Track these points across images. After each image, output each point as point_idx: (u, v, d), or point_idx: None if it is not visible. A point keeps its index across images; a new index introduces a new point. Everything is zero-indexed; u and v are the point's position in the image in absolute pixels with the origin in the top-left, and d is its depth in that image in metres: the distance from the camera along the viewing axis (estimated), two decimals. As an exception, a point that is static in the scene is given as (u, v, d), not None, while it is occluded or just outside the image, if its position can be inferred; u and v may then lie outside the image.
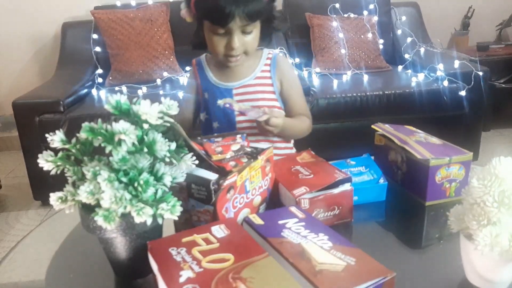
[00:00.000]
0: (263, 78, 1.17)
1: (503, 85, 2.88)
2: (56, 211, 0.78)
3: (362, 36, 2.70)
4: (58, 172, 0.65)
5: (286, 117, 1.15)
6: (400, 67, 2.71)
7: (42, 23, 2.96)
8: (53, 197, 0.63)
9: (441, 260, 0.71)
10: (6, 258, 0.80)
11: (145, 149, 0.63)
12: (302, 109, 1.21)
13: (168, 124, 0.66)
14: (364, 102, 2.31)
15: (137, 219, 0.59)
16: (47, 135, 0.64)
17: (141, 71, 2.57)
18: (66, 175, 0.65)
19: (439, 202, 0.87)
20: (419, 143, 0.90)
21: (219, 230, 0.64)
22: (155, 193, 0.62)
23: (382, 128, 0.99)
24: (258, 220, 0.69)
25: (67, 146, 0.65)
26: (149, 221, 0.60)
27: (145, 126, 0.63)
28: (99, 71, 2.66)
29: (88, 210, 0.62)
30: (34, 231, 0.90)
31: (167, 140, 0.65)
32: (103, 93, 2.49)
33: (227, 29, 1.01)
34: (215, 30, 1.03)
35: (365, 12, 2.79)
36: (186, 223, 0.76)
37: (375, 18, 2.78)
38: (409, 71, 2.62)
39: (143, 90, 2.47)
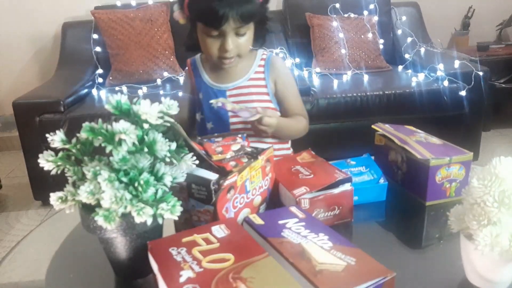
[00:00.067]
0: (257, 80, 1.17)
1: (503, 85, 2.88)
2: (56, 211, 0.78)
3: (362, 36, 2.70)
4: (59, 172, 0.65)
5: (282, 117, 1.15)
6: (400, 67, 2.71)
7: (42, 23, 2.96)
8: (53, 197, 0.63)
9: (441, 260, 0.71)
10: (6, 258, 0.80)
11: (146, 149, 0.63)
12: (298, 109, 1.21)
13: (168, 124, 0.66)
14: (364, 102, 2.31)
15: (137, 219, 0.59)
16: (47, 135, 0.64)
17: (141, 71, 2.57)
18: (66, 175, 0.66)
19: (439, 202, 0.87)
20: (419, 143, 0.90)
21: (219, 230, 0.64)
22: (155, 193, 0.62)
23: (382, 128, 0.99)
24: (258, 220, 0.69)
25: (67, 146, 0.65)
26: (149, 221, 0.60)
27: (146, 126, 0.63)
28: (99, 71, 2.66)
29: (88, 210, 0.62)
30: (34, 231, 0.90)
31: (167, 140, 0.65)
32: (103, 93, 2.49)
33: (220, 31, 1.01)
34: (209, 32, 1.03)
35: (365, 12, 2.79)
36: (186, 223, 0.76)
37: (375, 18, 2.78)
38: (409, 71, 2.62)
39: (143, 90, 2.47)
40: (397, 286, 0.56)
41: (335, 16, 2.73)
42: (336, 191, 0.81)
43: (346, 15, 2.76)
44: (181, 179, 0.68)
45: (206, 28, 1.02)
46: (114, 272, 0.71)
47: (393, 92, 2.31)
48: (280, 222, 0.68)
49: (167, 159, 0.66)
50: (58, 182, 0.72)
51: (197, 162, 0.71)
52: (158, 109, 0.63)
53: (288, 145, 1.25)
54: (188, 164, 0.69)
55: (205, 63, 1.20)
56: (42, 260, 0.79)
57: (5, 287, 0.73)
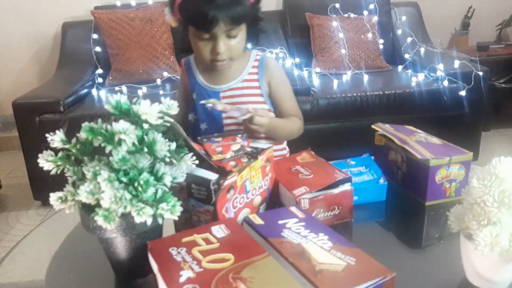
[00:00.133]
0: (251, 81, 1.16)
1: (503, 85, 2.88)
2: (56, 211, 0.78)
3: (362, 36, 2.70)
4: (58, 172, 0.65)
5: (275, 118, 1.15)
6: (400, 67, 2.71)
7: (42, 23, 2.96)
8: (53, 197, 0.63)
9: (441, 260, 0.71)
10: (6, 258, 0.80)
11: (145, 149, 0.63)
12: (293, 110, 1.20)
13: (168, 124, 0.66)
14: (364, 102, 2.31)
15: (137, 219, 0.59)
16: (47, 135, 0.64)
17: (141, 71, 2.57)
18: (66, 175, 0.66)
19: (439, 202, 0.87)
20: (419, 143, 0.90)
21: (219, 230, 0.64)
22: (155, 193, 0.62)
23: (382, 128, 0.99)
24: (258, 220, 0.69)
25: (67, 146, 0.65)
26: (149, 221, 0.60)
27: (145, 126, 0.63)
28: (99, 71, 2.66)
29: (88, 210, 0.62)
30: (34, 231, 0.90)
31: (167, 140, 0.65)
32: (103, 93, 2.49)
33: (211, 34, 1.00)
34: (200, 35, 1.02)
35: (365, 12, 2.79)
36: (186, 223, 0.76)
37: (375, 18, 2.78)
38: (409, 71, 2.62)
39: (143, 90, 2.47)
40: (397, 286, 0.56)
41: (335, 16, 2.73)
42: (336, 191, 0.81)
43: (346, 15, 2.76)
44: (181, 179, 0.68)
45: (197, 31, 1.02)
46: (114, 272, 0.71)
47: (393, 92, 2.31)
48: (280, 222, 0.68)
49: (167, 159, 0.66)
50: (58, 182, 0.72)
51: (197, 162, 0.71)
52: (158, 109, 0.63)
53: (283, 145, 1.24)
54: (188, 164, 0.69)
55: (198, 64, 1.19)
56: (42, 260, 0.79)
57: (5, 287, 0.73)
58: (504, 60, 2.85)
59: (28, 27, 2.97)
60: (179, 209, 0.62)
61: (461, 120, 2.38)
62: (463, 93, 2.32)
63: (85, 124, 0.61)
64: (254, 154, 0.81)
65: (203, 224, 0.70)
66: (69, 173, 0.65)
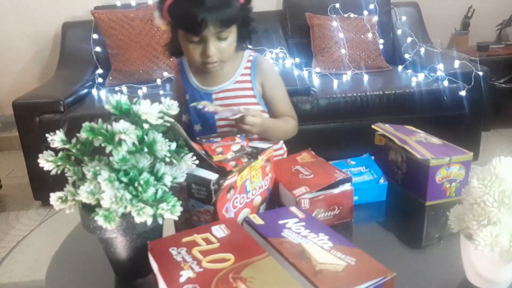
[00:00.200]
0: (243, 82, 1.15)
1: (503, 85, 2.88)
2: (56, 211, 0.78)
3: (362, 36, 2.70)
4: (59, 172, 0.66)
5: (268, 118, 1.14)
6: (400, 67, 2.71)
7: (42, 23, 2.96)
8: (53, 197, 0.63)
9: (441, 260, 0.71)
10: (7, 258, 0.80)
11: (146, 149, 0.63)
12: (287, 110, 1.19)
13: (168, 124, 0.66)
14: (364, 102, 2.31)
15: (137, 219, 0.59)
16: (47, 135, 0.64)
17: (141, 71, 2.57)
18: (66, 175, 0.66)
19: (439, 202, 0.87)
20: (419, 143, 0.90)
21: (219, 230, 0.64)
22: (155, 193, 0.62)
23: (382, 128, 0.99)
24: (258, 220, 0.69)
25: (67, 146, 0.65)
26: (149, 221, 0.60)
27: (145, 126, 0.63)
28: (99, 71, 2.66)
29: (88, 210, 0.62)
30: (35, 231, 0.90)
31: (167, 140, 0.65)
32: (103, 93, 2.49)
33: (201, 36, 0.99)
34: (189, 38, 1.01)
35: (365, 12, 2.79)
36: (186, 223, 0.76)
37: (375, 18, 2.78)
38: (409, 71, 2.62)
39: (143, 90, 2.47)
40: (397, 286, 0.56)
41: (335, 16, 2.73)
42: (336, 191, 0.81)
43: (346, 15, 2.76)
44: (181, 179, 0.68)
45: (186, 34, 1.01)
46: (114, 272, 0.71)
47: (393, 92, 2.31)
48: (280, 222, 0.68)
49: (167, 159, 0.66)
50: (58, 182, 0.72)
51: (197, 162, 0.71)
52: (158, 109, 0.64)
53: (280, 145, 1.24)
54: (188, 164, 0.69)
55: (191, 65, 1.18)
56: (42, 260, 0.79)
57: (5, 287, 0.73)
58: (504, 60, 2.85)
59: (28, 27, 2.97)
60: (179, 209, 0.62)
61: (461, 120, 2.38)
62: (463, 93, 2.32)
63: (85, 124, 0.61)
64: (254, 154, 0.81)
65: (203, 224, 0.70)
66: (69, 173, 0.65)
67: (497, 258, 0.58)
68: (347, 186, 0.82)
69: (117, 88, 2.52)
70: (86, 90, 2.51)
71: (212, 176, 0.71)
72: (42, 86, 2.49)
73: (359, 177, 0.90)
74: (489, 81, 2.45)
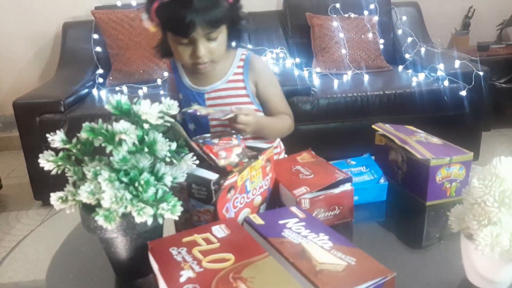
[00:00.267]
0: (236, 82, 1.13)
1: (504, 85, 2.88)
2: (56, 211, 0.78)
3: (362, 36, 2.70)
4: (59, 172, 0.66)
5: (263, 116, 1.13)
6: (400, 67, 2.70)
7: (42, 23, 2.96)
8: (54, 197, 0.63)
9: (441, 260, 0.71)
10: (7, 258, 0.80)
11: (146, 149, 0.63)
12: (282, 108, 1.17)
13: (169, 124, 0.66)
14: (365, 102, 2.31)
15: (138, 219, 0.59)
16: (47, 135, 0.64)
17: (141, 71, 2.57)
18: (66, 175, 0.66)
19: (440, 202, 0.87)
20: (419, 143, 0.90)
21: (219, 230, 0.64)
22: (156, 193, 0.62)
23: (383, 128, 0.99)
24: (258, 220, 0.69)
25: (67, 146, 0.65)
26: (150, 221, 0.60)
27: (146, 126, 0.63)
28: (100, 71, 2.66)
29: (88, 210, 0.62)
30: (35, 231, 0.90)
31: (167, 140, 0.65)
32: (103, 93, 2.49)
33: (190, 38, 0.98)
34: (178, 40, 1.00)
35: (366, 12, 2.79)
36: (186, 223, 0.76)
37: (376, 18, 2.78)
38: (410, 71, 2.62)
39: (143, 90, 2.47)
40: (397, 286, 0.56)
41: (335, 16, 2.73)
42: (336, 191, 0.81)
43: (346, 15, 2.76)
44: (181, 179, 0.68)
45: (175, 36, 1.00)
46: (114, 272, 0.71)
47: (393, 92, 2.31)
48: (281, 222, 0.68)
49: (168, 159, 0.66)
50: (58, 182, 0.72)
51: (197, 162, 0.71)
52: (158, 109, 0.64)
53: (276, 143, 1.22)
54: (188, 164, 0.69)
55: (183, 65, 1.17)
56: (42, 260, 0.79)
57: (6, 287, 0.73)
58: (505, 60, 2.85)
59: (28, 27, 2.97)
60: (179, 209, 0.62)
61: (462, 120, 2.38)
62: (463, 93, 2.32)
63: (86, 124, 0.61)
64: (254, 155, 0.81)
65: (204, 224, 0.70)
66: (69, 173, 0.65)
67: (498, 258, 0.58)
68: (347, 186, 0.82)
69: (117, 88, 2.53)
70: (86, 90, 2.51)
71: (212, 176, 0.71)
72: (42, 86, 2.49)
73: (359, 177, 0.90)
74: (489, 81, 2.45)
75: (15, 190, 2.61)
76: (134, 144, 0.61)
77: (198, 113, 0.99)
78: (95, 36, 2.70)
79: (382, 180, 0.90)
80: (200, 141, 0.83)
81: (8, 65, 3.05)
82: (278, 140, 1.24)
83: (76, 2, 2.93)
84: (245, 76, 1.14)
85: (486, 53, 2.88)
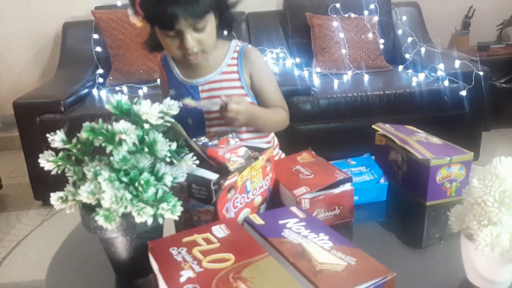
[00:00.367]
0: (230, 73, 1.11)
1: (504, 85, 2.88)
2: (56, 211, 0.78)
3: (362, 36, 2.70)
4: (59, 172, 0.66)
5: (257, 106, 1.11)
6: (400, 67, 2.71)
7: (42, 23, 2.96)
8: (54, 197, 0.63)
9: (441, 260, 0.71)
10: (7, 258, 0.80)
11: (146, 149, 0.63)
12: (277, 101, 1.15)
13: (169, 124, 0.66)
14: (365, 102, 2.31)
15: (138, 219, 0.59)
16: (47, 135, 0.64)
17: (141, 71, 2.58)
18: (66, 175, 0.66)
19: (440, 202, 0.87)
20: (419, 143, 0.90)
21: (219, 230, 0.64)
22: (156, 193, 0.62)
23: (383, 128, 0.99)
24: (258, 220, 0.69)
25: (67, 146, 0.65)
26: (150, 221, 0.60)
27: (146, 126, 0.63)
28: (100, 71, 2.66)
29: (88, 210, 0.62)
30: (35, 231, 0.90)
31: (167, 140, 0.65)
32: (103, 93, 2.49)
33: (177, 30, 0.96)
34: (165, 33, 0.98)
35: (366, 12, 2.79)
36: (186, 223, 0.76)
37: (376, 18, 2.78)
38: (410, 71, 2.62)
39: (143, 90, 2.47)
40: (397, 286, 0.56)
41: (335, 16, 2.73)
42: (336, 191, 0.81)
43: (346, 15, 2.76)
44: (182, 179, 0.68)
45: (161, 30, 0.99)
46: (115, 272, 0.71)
47: (393, 92, 2.31)
48: (281, 222, 0.68)
49: (168, 159, 0.66)
50: (58, 182, 0.72)
51: (197, 162, 0.71)
52: (159, 109, 0.64)
53: (268, 138, 1.20)
54: (188, 164, 0.69)
55: (175, 59, 1.16)
56: (42, 260, 0.79)
57: (6, 287, 0.73)
58: (505, 60, 2.85)
59: (28, 27, 2.97)
60: (179, 209, 0.62)
61: (462, 120, 2.38)
62: (463, 93, 2.32)
63: (86, 124, 0.61)
64: (255, 155, 0.80)
65: (204, 224, 0.70)
66: (69, 173, 0.65)
67: (498, 258, 0.58)
68: (347, 186, 0.82)
69: (117, 88, 2.53)
70: (86, 90, 2.52)
71: (212, 176, 0.71)
72: (42, 86, 2.49)
73: (359, 177, 0.90)
74: (489, 81, 2.45)
75: (15, 190, 2.61)
76: (134, 144, 0.61)
77: (189, 107, 0.98)
78: (95, 36, 2.70)
79: (382, 180, 0.90)
80: (200, 143, 0.83)
81: (8, 65, 3.05)
82: (272, 134, 1.23)
83: (76, 2, 2.93)
84: (240, 67, 1.12)
85: (486, 53, 2.88)
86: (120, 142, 0.60)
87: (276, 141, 1.25)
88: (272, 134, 1.23)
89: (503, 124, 3.04)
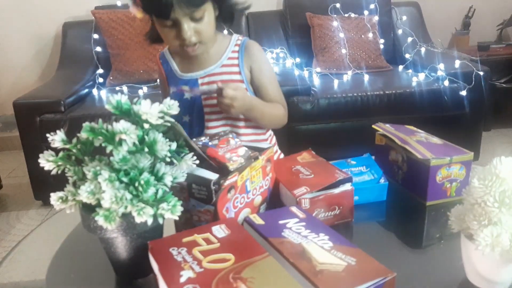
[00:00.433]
0: (230, 66, 1.10)
1: (504, 85, 2.88)
2: (57, 211, 0.78)
3: (362, 36, 2.70)
4: (59, 172, 0.65)
5: (255, 98, 1.10)
6: (400, 67, 2.71)
7: (43, 23, 2.97)
8: (54, 197, 0.63)
9: (441, 260, 0.71)
10: (7, 258, 0.80)
11: (146, 149, 0.63)
12: (276, 97, 1.14)
13: (169, 124, 0.66)
14: (365, 102, 2.31)
15: (138, 219, 0.59)
16: (48, 135, 0.64)
17: (141, 71, 2.58)
18: (66, 175, 0.66)
19: (440, 202, 0.87)
20: (419, 143, 0.90)
21: (219, 230, 0.64)
22: (156, 193, 0.62)
23: (383, 128, 0.99)
24: (258, 220, 0.69)
25: (67, 146, 0.65)
26: (150, 221, 0.60)
27: (146, 126, 0.63)
28: (100, 71, 2.66)
29: (88, 210, 0.62)
30: (35, 231, 0.90)
31: (167, 140, 0.65)
32: (103, 93, 2.49)
33: (174, 19, 0.95)
34: (162, 23, 0.97)
35: (366, 12, 2.79)
36: (186, 223, 0.76)
37: (376, 18, 2.78)
38: (410, 71, 2.62)
39: (143, 90, 2.47)
40: (397, 286, 0.56)
41: (335, 16, 2.73)
42: (336, 191, 0.81)
43: (346, 15, 2.76)
44: (182, 179, 0.68)
45: (158, 19, 0.98)
46: (115, 272, 0.71)
47: (393, 92, 2.31)
48: (281, 222, 0.68)
49: (168, 159, 0.66)
50: (58, 182, 0.72)
51: (197, 162, 0.71)
52: (159, 109, 0.63)
53: (266, 136, 1.20)
54: (188, 164, 0.69)
55: (174, 54, 1.15)
56: (42, 260, 0.79)
57: (6, 287, 0.73)
58: (505, 60, 2.85)
59: (29, 27, 2.98)
60: (179, 209, 0.62)
61: (462, 120, 2.38)
62: (463, 93, 2.32)
63: (86, 124, 0.61)
64: (255, 155, 0.80)
65: (204, 224, 0.70)
66: (69, 173, 0.65)
67: (498, 258, 0.58)
68: (347, 186, 0.82)
69: (117, 88, 2.53)
70: (86, 90, 2.52)
71: (212, 176, 0.71)
72: (42, 86, 2.50)
73: (359, 177, 0.90)
74: (489, 81, 2.45)
75: (15, 190, 2.61)
76: (134, 144, 0.61)
77: (185, 92, 0.98)
78: (95, 36, 2.70)
79: (382, 180, 0.90)
80: (200, 143, 0.83)
81: (8, 65, 3.05)
82: (270, 132, 1.23)
83: (76, 2, 2.93)
84: (240, 61, 1.11)
85: (486, 53, 2.88)
86: (120, 142, 0.60)
87: (274, 139, 1.25)
88: (270, 131, 1.23)
89: (503, 124, 3.04)
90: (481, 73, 2.31)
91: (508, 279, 0.62)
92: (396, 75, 2.61)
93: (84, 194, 0.60)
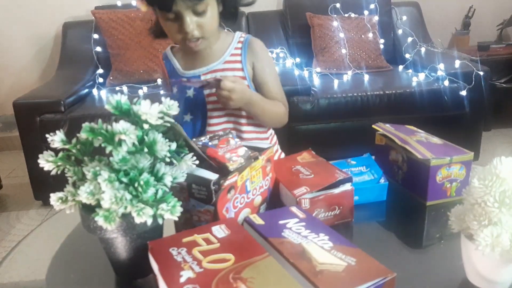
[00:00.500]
0: (233, 63, 1.10)
1: (504, 85, 2.88)
2: (56, 211, 0.78)
3: (362, 36, 2.70)
4: (59, 172, 0.65)
5: (255, 93, 1.10)
6: (400, 67, 2.71)
7: (43, 23, 2.97)
8: (54, 197, 0.63)
9: (441, 260, 0.71)
10: (7, 258, 0.80)
11: (146, 149, 0.63)
12: (277, 95, 1.14)
13: (169, 124, 0.66)
14: (365, 102, 2.31)
15: (138, 220, 0.59)
16: (47, 135, 0.64)
17: (141, 71, 2.58)
18: (66, 175, 0.65)
19: (440, 202, 0.87)
20: (419, 143, 0.90)
21: (219, 230, 0.64)
22: (156, 193, 0.62)
23: (383, 128, 0.99)
24: (258, 220, 0.69)
25: (67, 146, 0.65)
26: (150, 221, 0.60)
27: (146, 126, 0.63)
28: (100, 71, 2.66)
29: (88, 210, 0.62)
30: (35, 231, 0.90)
31: (167, 140, 0.65)
32: (103, 93, 2.49)
33: (176, 12, 0.95)
34: (165, 16, 0.97)
35: (366, 12, 2.79)
36: (186, 223, 0.76)
37: (376, 18, 2.78)
38: (410, 71, 2.62)
39: (143, 90, 2.47)
40: (397, 286, 0.56)
41: (335, 16, 2.73)
42: (336, 191, 0.81)
43: (346, 15, 2.77)
44: (181, 179, 0.68)
45: (161, 12, 0.98)
46: (115, 272, 0.71)
47: (393, 92, 2.31)
48: (281, 222, 0.68)
49: (167, 159, 0.66)
50: (58, 182, 0.72)
51: (197, 162, 0.70)
52: (158, 109, 0.63)
53: (267, 135, 1.19)
54: (188, 164, 0.69)
55: (176, 52, 1.15)
56: (42, 260, 0.79)
57: (6, 287, 0.73)
58: (505, 60, 2.85)
59: (29, 27, 2.98)
60: (179, 209, 0.62)
61: (462, 120, 2.38)
62: (463, 93, 2.32)
63: (86, 124, 0.61)
64: (255, 155, 0.80)
65: (204, 224, 0.70)
66: (69, 174, 0.65)
67: (498, 258, 0.58)
68: (347, 186, 0.82)
69: (117, 88, 2.53)
70: (86, 90, 2.52)
71: (212, 176, 0.71)
72: (42, 86, 2.50)
73: (359, 177, 0.90)
74: (489, 81, 2.45)
75: (15, 190, 2.61)
76: (134, 144, 0.61)
77: (184, 84, 0.98)
78: (95, 36, 2.70)
79: (382, 180, 0.90)
80: (200, 143, 0.83)
81: (8, 65, 3.05)
82: (271, 131, 1.23)
83: (76, 2, 2.93)
84: (243, 58, 1.11)
85: (487, 53, 2.88)
86: (120, 142, 0.60)
87: (275, 139, 1.25)
88: (272, 130, 1.23)
89: (503, 124, 3.04)
90: (481, 73, 2.31)
91: (508, 279, 0.62)
92: (396, 75, 2.61)
93: (84, 194, 0.60)
